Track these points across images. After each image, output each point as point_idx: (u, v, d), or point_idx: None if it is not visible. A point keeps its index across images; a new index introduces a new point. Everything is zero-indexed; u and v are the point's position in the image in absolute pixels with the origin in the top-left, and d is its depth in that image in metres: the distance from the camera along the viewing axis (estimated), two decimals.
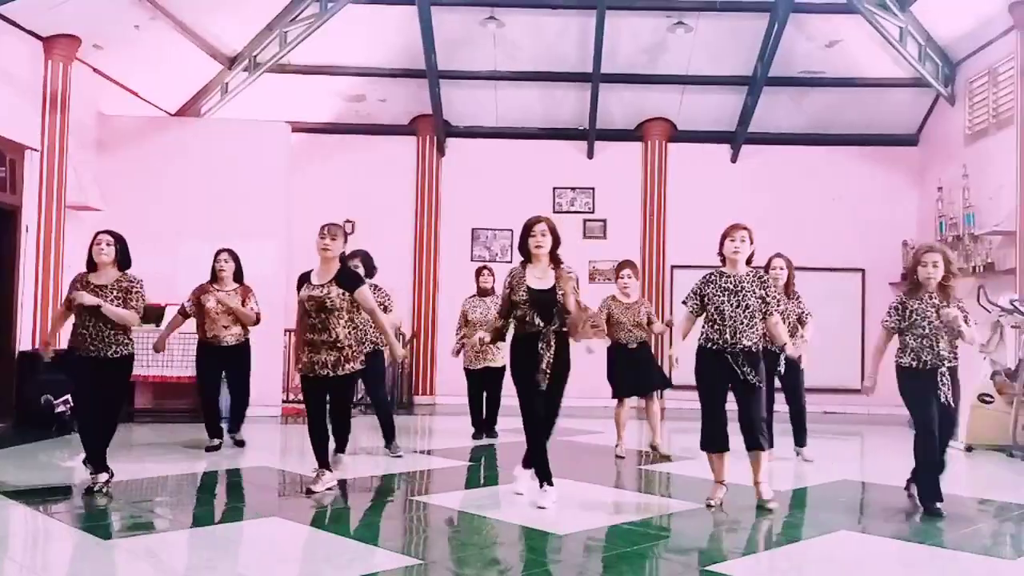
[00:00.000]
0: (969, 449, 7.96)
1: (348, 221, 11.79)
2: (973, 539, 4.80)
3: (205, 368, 7.31)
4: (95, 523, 4.89)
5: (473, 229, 11.98)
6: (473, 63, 11.24)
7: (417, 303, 11.78)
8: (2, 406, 8.35)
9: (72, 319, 5.57)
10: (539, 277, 5.29)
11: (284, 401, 9.89)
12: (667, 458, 7.17)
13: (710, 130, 11.95)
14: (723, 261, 5.41)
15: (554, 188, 12.01)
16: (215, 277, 7.29)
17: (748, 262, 5.38)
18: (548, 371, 5.19)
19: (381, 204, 11.78)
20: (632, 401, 7.55)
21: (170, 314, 8.49)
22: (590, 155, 12.10)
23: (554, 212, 11.97)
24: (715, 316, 5.28)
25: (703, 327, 5.37)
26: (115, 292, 5.49)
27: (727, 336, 5.23)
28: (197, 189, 9.67)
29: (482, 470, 7.08)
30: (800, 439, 7.13)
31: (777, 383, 6.82)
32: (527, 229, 5.35)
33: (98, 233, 5.66)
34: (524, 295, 5.23)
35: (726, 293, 5.28)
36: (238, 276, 7.37)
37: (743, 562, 4.31)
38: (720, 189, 11.69)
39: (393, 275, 11.70)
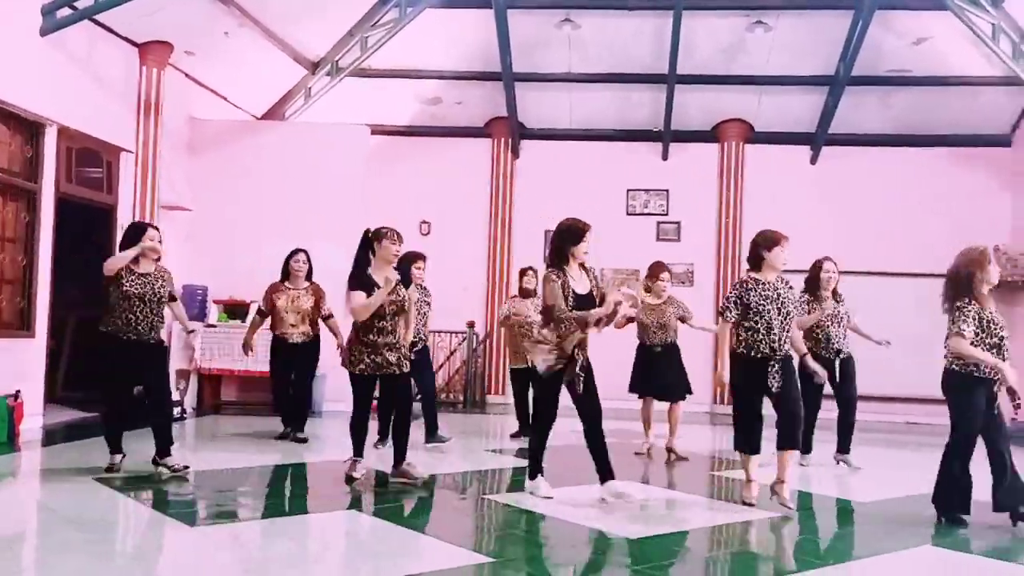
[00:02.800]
0: None
1: (424, 222, 12.02)
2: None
3: (276, 364, 7.70)
4: (181, 510, 5.13)
5: (547, 231, 11.91)
6: (548, 65, 11.29)
7: (491, 304, 11.89)
8: (97, 396, 8.77)
9: (116, 302, 5.59)
10: (577, 281, 5.29)
11: None
12: (684, 459, 7.18)
13: (789, 131, 11.71)
14: (756, 267, 5.35)
15: (628, 190, 11.96)
16: (288, 275, 7.56)
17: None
18: (583, 374, 5.22)
19: (456, 205, 11.95)
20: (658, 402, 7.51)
21: (254, 311, 8.79)
22: (665, 157, 12.01)
23: (627, 214, 11.94)
24: (760, 324, 5.21)
25: (741, 335, 5.27)
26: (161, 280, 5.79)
27: (774, 344, 5.19)
28: (281, 190, 10.00)
29: (556, 469, 7.10)
30: (845, 445, 6.99)
31: (828, 389, 6.70)
32: (580, 234, 5.27)
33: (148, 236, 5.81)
34: (572, 302, 5.21)
35: (769, 301, 5.23)
36: (309, 275, 7.69)
37: (825, 572, 4.21)
38: (799, 192, 11.47)
39: (467, 275, 11.92)
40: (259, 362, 8.55)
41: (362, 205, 10.25)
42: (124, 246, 5.79)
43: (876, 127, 11.52)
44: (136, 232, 5.80)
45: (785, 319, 5.25)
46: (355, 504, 5.28)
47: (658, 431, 7.51)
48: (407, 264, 7.19)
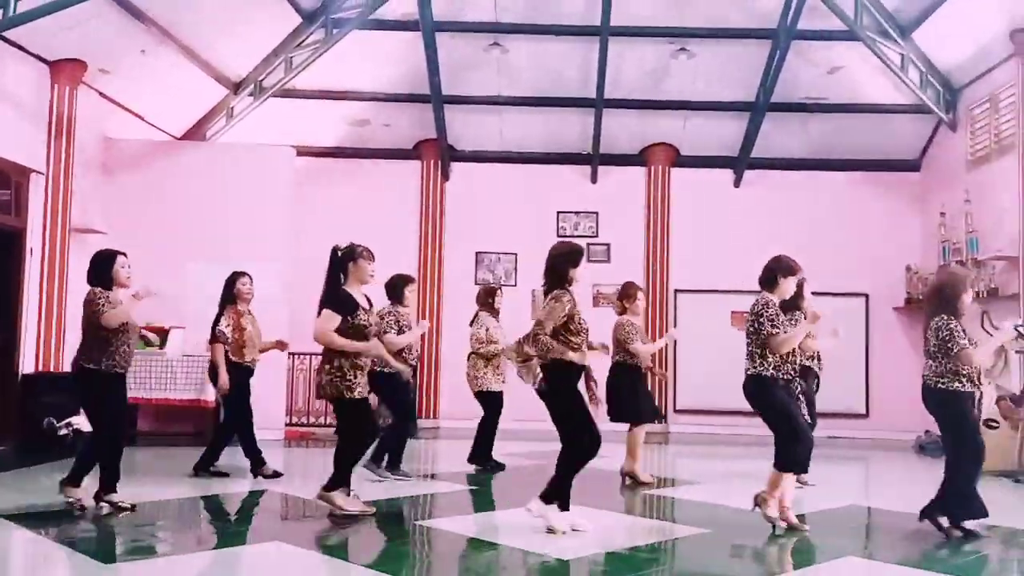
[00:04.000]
0: None
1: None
2: (980, 566, 4.75)
3: (241, 396, 7.06)
4: (96, 547, 4.86)
5: (477, 253, 12.01)
6: (477, 88, 11.32)
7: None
8: (5, 428, 8.32)
9: (97, 336, 5.41)
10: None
11: (287, 424, 9.87)
12: (649, 484, 7.07)
13: (713, 155, 12.00)
14: (771, 289, 5.33)
15: (558, 212, 12.05)
16: (237, 298, 7.10)
17: None
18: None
19: (385, 228, 11.76)
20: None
21: (175, 337, 8.43)
22: (594, 180, 12.15)
23: (558, 236, 12.00)
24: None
25: (771, 358, 5.18)
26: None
27: (791, 365, 5.29)
28: (202, 212, 9.69)
29: (491, 494, 7.03)
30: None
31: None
32: (580, 256, 5.14)
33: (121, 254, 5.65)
34: (584, 324, 5.10)
35: (791, 324, 5.39)
36: None
37: None
38: (723, 214, 11.74)
39: None
40: (178, 390, 8.20)
41: (289, 227, 10.06)
42: (94, 277, 5.55)
43: (795, 151, 11.90)
44: (105, 261, 5.56)
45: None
46: (282, 535, 5.09)
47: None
48: (400, 287, 7.10)
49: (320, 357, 5.60)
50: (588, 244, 11.98)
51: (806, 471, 5.31)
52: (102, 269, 5.54)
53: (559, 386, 5.05)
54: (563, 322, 5.00)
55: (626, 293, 7.20)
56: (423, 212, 12.05)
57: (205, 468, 7.00)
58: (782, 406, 5.20)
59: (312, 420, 10.61)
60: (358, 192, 11.79)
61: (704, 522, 5.37)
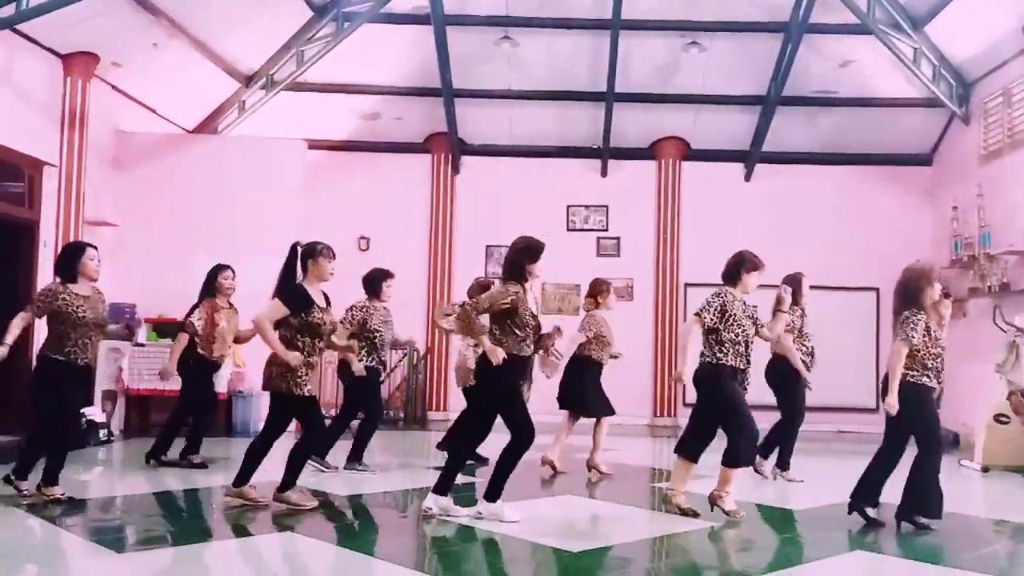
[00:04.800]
0: (985, 470, 7.88)
1: (363, 238, 11.90)
2: (989, 560, 4.74)
3: (203, 388, 7.13)
4: (109, 536, 4.91)
5: (487, 246, 12.02)
6: (487, 82, 11.32)
7: (431, 320, 11.79)
8: (16, 420, 8.39)
9: (56, 329, 5.41)
10: (534, 302, 5.27)
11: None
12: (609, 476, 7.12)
13: (724, 149, 11.97)
14: (732, 283, 5.43)
15: (568, 206, 12.04)
16: (216, 292, 7.08)
17: None
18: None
19: (396, 221, 11.86)
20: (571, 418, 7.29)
21: (180, 332, 8.45)
22: (604, 173, 12.14)
23: (568, 230, 12.02)
24: (740, 336, 5.32)
25: (721, 348, 5.30)
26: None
27: (749, 358, 5.38)
28: (213, 205, 9.75)
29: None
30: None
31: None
32: (539, 252, 5.21)
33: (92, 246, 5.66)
34: (531, 319, 5.15)
35: (745, 316, 5.37)
36: None
37: None
38: (733, 208, 11.71)
39: (407, 292, 11.79)
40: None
41: (299, 220, 10.07)
42: (60, 268, 5.56)
43: (805, 145, 11.85)
44: (73, 253, 5.57)
45: (753, 336, 5.42)
46: (291, 526, 5.13)
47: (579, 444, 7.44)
48: (379, 281, 7.05)
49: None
50: (598, 238, 12.03)
51: (751, 464, 5.44)
52: (70, 261, 5.52)
53: (491, 380, 5.06)
54: (505, 311, 5.02)
55: (597, 289, 7.22)
56: (433, 205, 12.08)
57: (156, 456, 7.01)
58: (731, 398, 5.28)
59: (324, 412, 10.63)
60: (369, 185, 11.83)
61: (712, 515, 5.37)
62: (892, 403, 5.10)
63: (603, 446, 7.20)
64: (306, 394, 5.33)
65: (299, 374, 5.29)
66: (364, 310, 6.95)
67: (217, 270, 7.13)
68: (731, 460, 5.30)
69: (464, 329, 5.08)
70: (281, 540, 4.87)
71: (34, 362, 5.66)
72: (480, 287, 7.78)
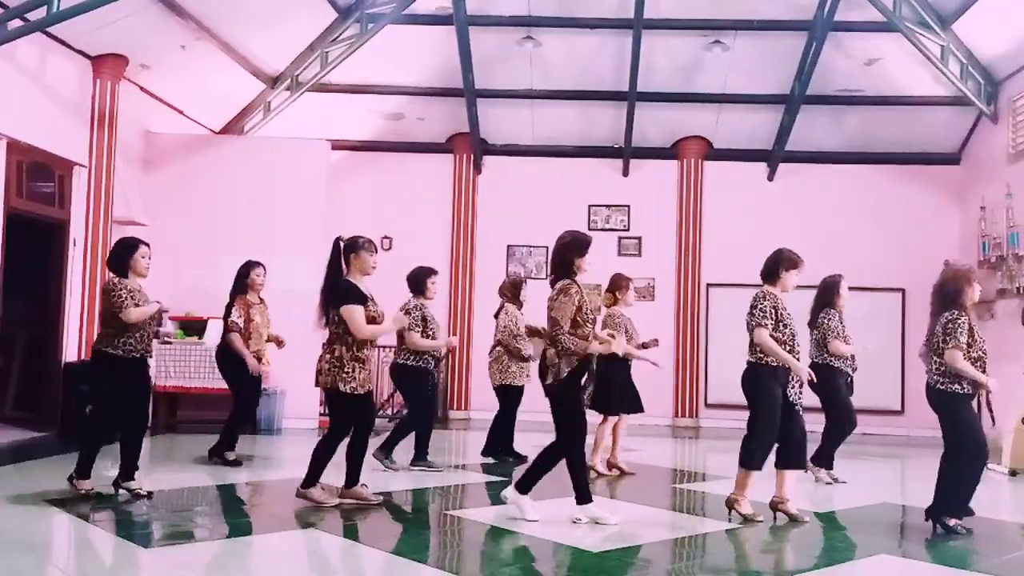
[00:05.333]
0: (1013, 474, 7.78)
1: (386, 237, 11.96)
2: (1016, 565, 4.70)
3: (251, 382, 7.19)
4: (135, 531, 4.99)
5: (509, 246, 12.05)
6: (510, 82, 11.34)
7: (452, 319, 11.85)
8: (49, 416, 8.55)
9: (113, 324, 5.47)
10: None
11: (322, 414, 10.00)
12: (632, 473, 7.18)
13: (747, 148, 11.91)
14: (772, 281, 5.40)
15: (589, 206, 12.04)
16: (248, 288, 7.19)
17: None
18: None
19: (418, 221, 11.91)
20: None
21: (213, 327, 8.61)
22: (625, 173, 12.12)
23: (589, 230, 12.00)
24: (786, 335, 5.29)
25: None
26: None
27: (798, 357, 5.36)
28: (239, 205, 9.87)
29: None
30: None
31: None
32: (586, 245, 5.16)
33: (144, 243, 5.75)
34: (591, 314, 5.14)
35: (787, 314, 5.36)
36: None
37: None
38: (756, 208, 11.65)
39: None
40: (215, 378, 8.35)
41: (323, 220, 10.16)
42: (115, 263, 5.66)
43: (830, 145, 11.75)
44: (127, 249, 5.65)
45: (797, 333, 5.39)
46: (316, 524, 5.19)
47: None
48: (424, 278, 7.10)
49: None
50: (620, 238, 12.01)
51: (759, 469, 5.31)
52: (123, 257, 5.61)
53: (573, 381, 5.04)
54: (573, 314, 5.02)
55: (617, 285, 7.20)
56: (455, 205, 12.12)
57: (220, 454, 7.07)
58: (765, 400, 5.22)
59: None
60: (392, 185, 11.90)
61: (734, 517, 5.36)
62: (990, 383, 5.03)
63: (620, 444, 7.24)
64: (348, 391, 5.33)
65: (346, 369, 5.33)
66: (419, 308, 7.01)
67: (249, 267, 7.25)
68: (742, 461, 5.28)
69: (565, 353, 4.98)
70: (304, 537, 4.93)
71: (91, 356, 5.73)
72: (512, 285, 7.84)
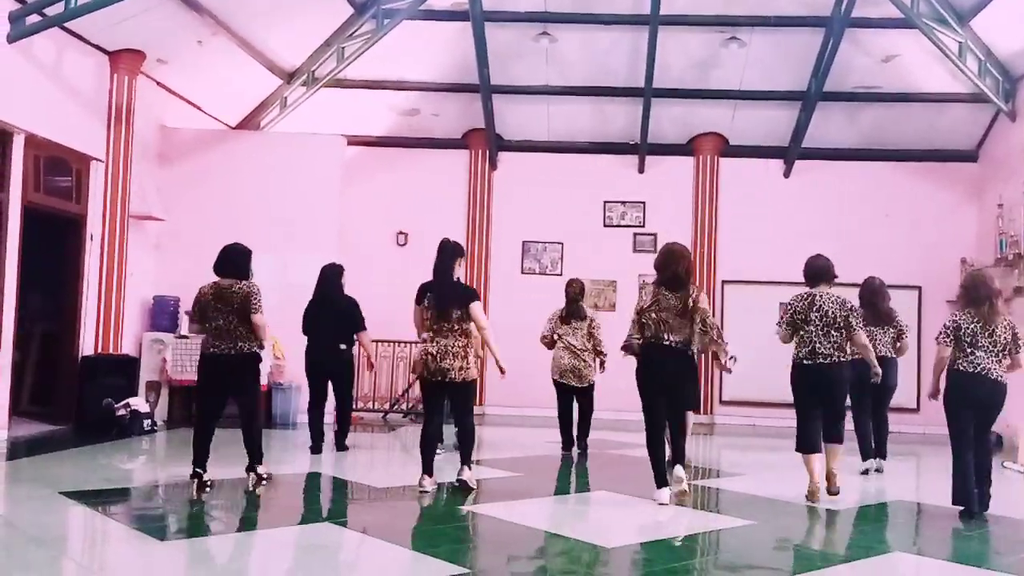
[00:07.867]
0: None
1: (401, 233, 12.00)
2: None
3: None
4: (152, 524, 5.03)
5: (524, 242, 12.04)
6: (525, 78, 11.33)
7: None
8: (65, 409, 8.63)
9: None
10: None
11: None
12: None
13: (763, 145, 11.85)
14: (829, 283, 5.97)
15: (605, 202, 12.01)
16: None
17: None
18: None
19: (433, 217, 11.91)
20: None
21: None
22: (641, 169, 12.08)
23: (604, 226, 11.99)
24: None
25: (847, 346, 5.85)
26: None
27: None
28: (255, 200, 9.91)
29: (531, 481, 7.08)
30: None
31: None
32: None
33: None
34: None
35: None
36: None
37: None
38: (773, 205, 11.59)
39: None
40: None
41: (338, 215, 10.21)
42: (239, 269, 5.99)
43: (846, 141, 11.68)
44: (247, 256, 6.06)
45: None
46: (333, 516, 5.21)
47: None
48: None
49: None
50: (635, 234, 11.97)
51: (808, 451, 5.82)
52: (245, 263, 5.97)
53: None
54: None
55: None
56: (471, 201, 12.12)
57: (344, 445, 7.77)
58: (795, 393, 5.87)
59: (361, 405, 10.73)
60: (407, 181, 11.91)
61: (748, 513, 5.35)
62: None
63: None
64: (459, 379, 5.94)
65: (470, 360, 6.03)
66: None
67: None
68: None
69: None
70: (319, 530, 4.95)
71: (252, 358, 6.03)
72: (582, 289, 8.30)
